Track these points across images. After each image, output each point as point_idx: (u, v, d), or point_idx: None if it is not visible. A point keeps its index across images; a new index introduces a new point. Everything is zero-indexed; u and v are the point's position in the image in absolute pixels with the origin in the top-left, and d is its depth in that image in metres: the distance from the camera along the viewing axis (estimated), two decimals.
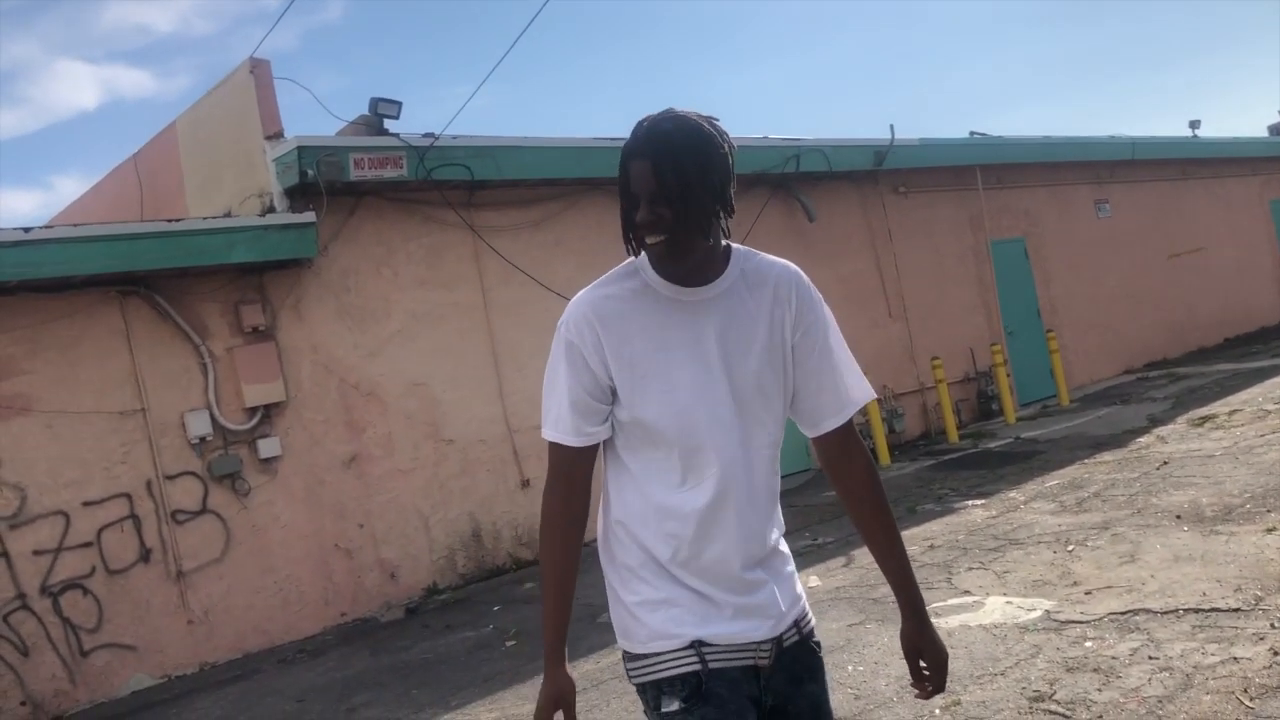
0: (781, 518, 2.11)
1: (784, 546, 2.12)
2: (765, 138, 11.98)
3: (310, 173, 8.38)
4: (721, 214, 1.96)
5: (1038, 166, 15.68)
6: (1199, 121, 20.17)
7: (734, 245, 2.07)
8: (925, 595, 6.05)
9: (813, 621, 2.11)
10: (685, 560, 1.96)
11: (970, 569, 6.56)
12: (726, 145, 1.96)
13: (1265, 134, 24.68)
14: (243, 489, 8.13)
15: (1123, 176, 17.36)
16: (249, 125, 8.89)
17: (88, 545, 7.45)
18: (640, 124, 1.93)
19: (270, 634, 8.11)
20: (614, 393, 1.98)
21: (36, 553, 7.24)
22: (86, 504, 7.47)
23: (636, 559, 2.00)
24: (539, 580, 2.11)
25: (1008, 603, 5.68)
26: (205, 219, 8.19)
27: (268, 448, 8.24)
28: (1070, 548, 6.59)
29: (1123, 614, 5.08)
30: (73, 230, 7.35)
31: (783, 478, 2.14)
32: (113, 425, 7.65)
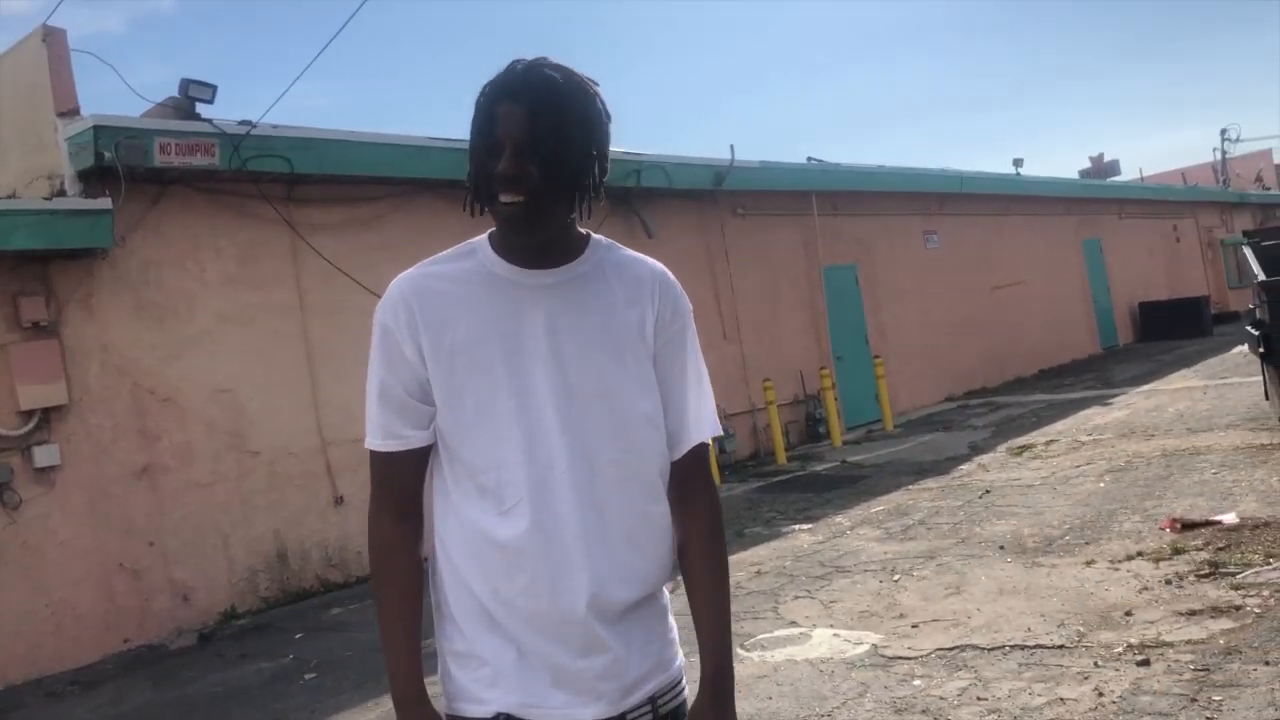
0: (671, 560, 1.73)
1: (665, 599, 1.75)
2: None
3: (108, 155, 7.63)
4: (588, 192, 1.64)
5: (871, 195, 15.96)
6: (1022, 160, 21.06)
7: (594, 235, 1.75)
8: (752, 625, 5.88)
9: (680, 698, 1.73)
10: (507, 600, 1.60)
11: (797, 598, 6.39)
12: (608, 115, 1.66)
13: (1076, 176, 26.06)
14: (12, 501, 7.30)
15: (951, 209, 17.89)
16: (40, 100, 8.05)
17: None
18: (516, 63, 1.60)
19: (39, 663, 7.28)
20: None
21: None
22: None
23: (453, 596, 1.66)
24: (377, 614, 1.71)
25: (835, 635, 5.52)
26: None
27: (45, 455, 7.42)
28: (896, 577, 6.51)
29: (950, 650, 4.96)
30: None
31: None
32: None
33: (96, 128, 7.64)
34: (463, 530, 1.65)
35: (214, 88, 8.33)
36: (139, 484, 7.91)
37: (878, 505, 9.00)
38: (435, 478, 1.71)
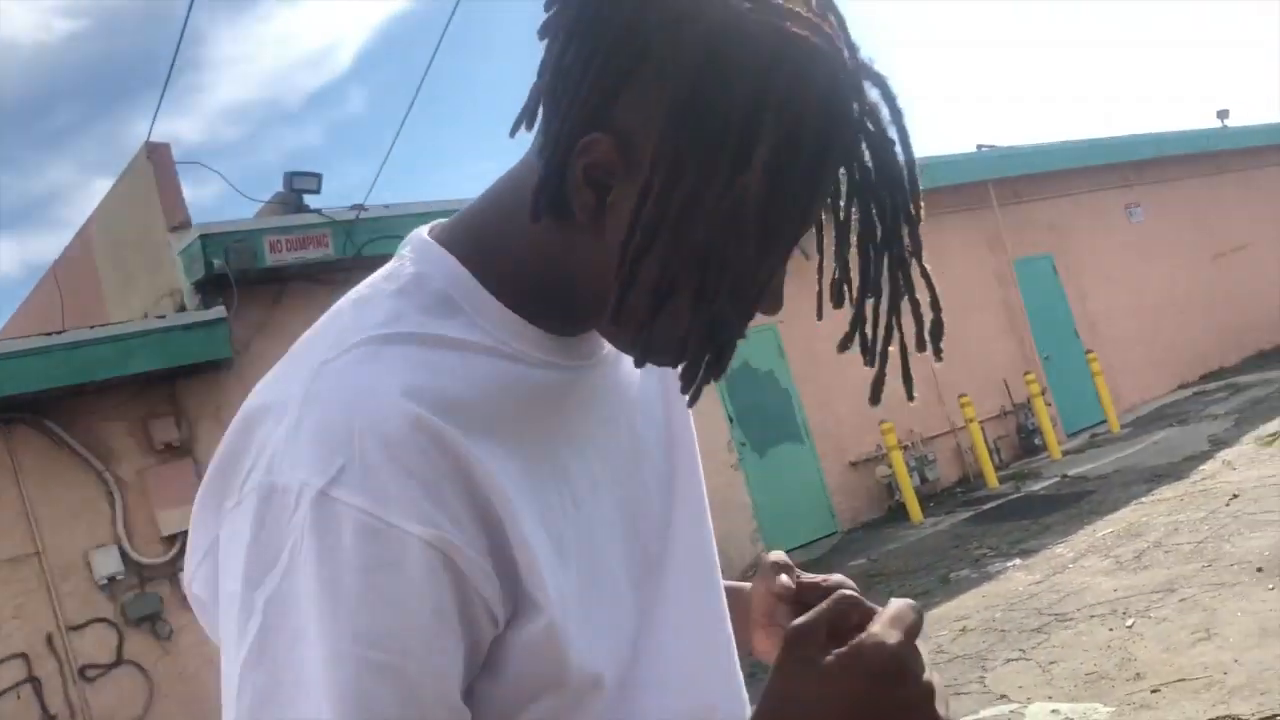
0: None
1: None
2: None
3: (217, 263, 7.42)
4: None
5: (1058, 175, 14.42)
6: (1227, 110, 18.80)
7: None
8: (954, 705, 4.86)
9: None
10: None
11: (1009, 660, 5.35)
12: None
13: None
14: (164, 631, 7.07)
15: (1152, 177, 16.06)
16: (153, 218, 7.96)
17: None
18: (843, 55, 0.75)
19: None
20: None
21: None
22: None
23: None
24: None
25: (1054, 712, 4.47)
26: (93, 327, 7.23)
27: None
28: (1130, 621, 5.35)
29: None
30: None
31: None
32: (1, 576, 6.62)
33: (203, 236, 7.46)
34: None
35: (318, 176, 8.10)
36: None
37: (1105, 527, 7.72)
38: None
